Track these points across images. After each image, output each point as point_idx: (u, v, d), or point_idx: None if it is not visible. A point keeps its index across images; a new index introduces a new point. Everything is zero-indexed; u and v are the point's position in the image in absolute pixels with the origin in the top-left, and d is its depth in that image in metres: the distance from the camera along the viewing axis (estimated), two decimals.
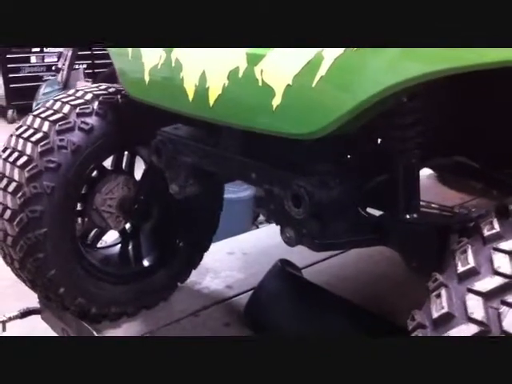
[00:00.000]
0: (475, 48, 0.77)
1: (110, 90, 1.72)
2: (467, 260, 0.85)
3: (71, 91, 1.77)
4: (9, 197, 1.60)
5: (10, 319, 1.99)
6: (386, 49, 0.88)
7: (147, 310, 1.97)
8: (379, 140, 1.24)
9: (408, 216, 1.20)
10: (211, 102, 1.15)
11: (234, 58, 1.10)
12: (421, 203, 1.28)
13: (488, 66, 0.78)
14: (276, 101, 1.03)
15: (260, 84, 1.05)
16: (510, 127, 1.28)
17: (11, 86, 7.14)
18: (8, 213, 1.60)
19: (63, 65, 5.97)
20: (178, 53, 1.20)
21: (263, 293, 1.82)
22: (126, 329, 1.88)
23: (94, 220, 1.86)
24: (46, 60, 7.41)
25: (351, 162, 1.21)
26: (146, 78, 1.31)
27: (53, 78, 6.57)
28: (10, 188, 1.59)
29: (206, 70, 1.16)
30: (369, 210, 1.30)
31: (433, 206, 1.30)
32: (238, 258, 2.54)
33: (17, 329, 2.09)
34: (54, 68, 6.92)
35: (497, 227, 0.88)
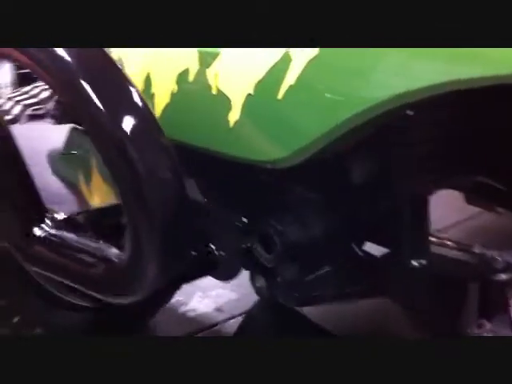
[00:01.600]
0: None
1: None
2: None
3: None
4: None
5: None
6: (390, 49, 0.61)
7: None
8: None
9: (414, 262, 0.92)
10: (158, 112, 0.89)
11: (184, 56, 0.84)
12: (432, 239, 1.02)
13: None
14: (233, 115, 0.77)
15: (214, 92, 0.79)
16: None
17: None
18: None
19: None
20: (120, 50, 0.94)
21: (251, 324, 1.58)
22: None
23: None
24: None
25: (341, 189, 0.94)
26: None
27: None
28: None
29: (151, 72, 0.90)
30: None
31: (448, 243, 1.03)
32: None
33: None
34: None
35: None
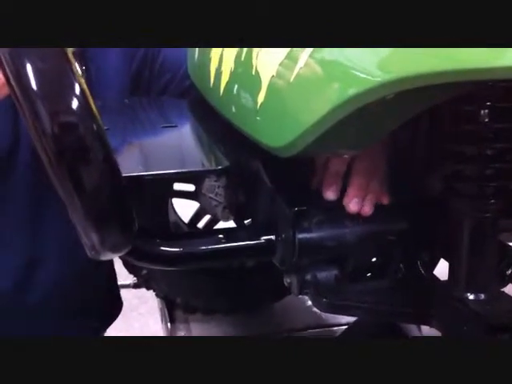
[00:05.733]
0: None
1: None
2: None
3: None
4: None
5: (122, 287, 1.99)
6: None
7: (242, 312, 1.80)
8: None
9: (470, 296, 0.79)
10: (221, 90, 0.90)
11: None
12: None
13: None
14: (261, 96, 0.74)
15: (253, 72, 0.77)
16: None
17: None
18: None
19: None
20: None
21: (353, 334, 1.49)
22: (206, 329, 1.73)
23: (203, 206, 1.74)
24: None
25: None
26: (195, 55, 1.11)
27: None
28: None
29: (224, 50, 0.91)
30: None
31: None
32: None
33: None
34: None
35: None
